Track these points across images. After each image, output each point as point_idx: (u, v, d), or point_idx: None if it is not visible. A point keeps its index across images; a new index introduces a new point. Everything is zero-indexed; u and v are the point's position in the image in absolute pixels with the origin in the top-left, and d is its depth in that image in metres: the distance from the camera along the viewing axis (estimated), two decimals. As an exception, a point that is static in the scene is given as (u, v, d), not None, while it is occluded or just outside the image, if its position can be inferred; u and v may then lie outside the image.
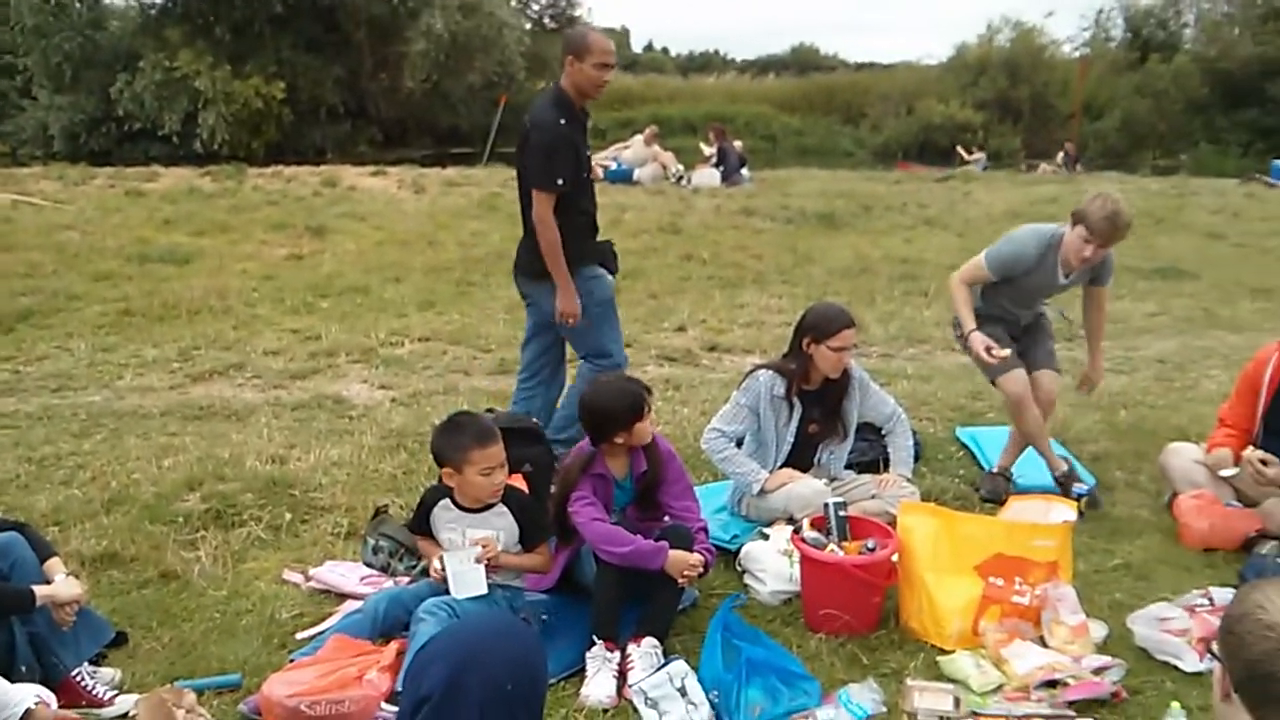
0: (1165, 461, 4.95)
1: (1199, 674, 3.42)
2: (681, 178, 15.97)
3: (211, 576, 4.06)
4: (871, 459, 4.96)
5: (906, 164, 25.13)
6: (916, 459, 4.87)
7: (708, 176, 15.96)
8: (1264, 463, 4.41)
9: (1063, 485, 4.81)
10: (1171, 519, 4.68)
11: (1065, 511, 3.97)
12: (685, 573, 3.56)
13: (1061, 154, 22.85)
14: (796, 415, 4.48)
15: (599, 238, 5.03)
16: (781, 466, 4.50)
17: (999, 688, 3.38)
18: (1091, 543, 4.44)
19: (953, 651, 3.55)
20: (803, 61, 51.78)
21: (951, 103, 31.70)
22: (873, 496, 4.50)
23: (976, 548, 3.69)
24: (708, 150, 17.17)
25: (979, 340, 4.68)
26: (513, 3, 29.88)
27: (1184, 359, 7.66)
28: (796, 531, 3.89)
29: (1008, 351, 4.66)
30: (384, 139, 28.46)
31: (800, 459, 4.55)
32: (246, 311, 8.27)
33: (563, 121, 4.66)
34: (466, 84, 27.67)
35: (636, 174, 15.93)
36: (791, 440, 4.50)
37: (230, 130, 25.39)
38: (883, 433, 4.76)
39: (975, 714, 3.24)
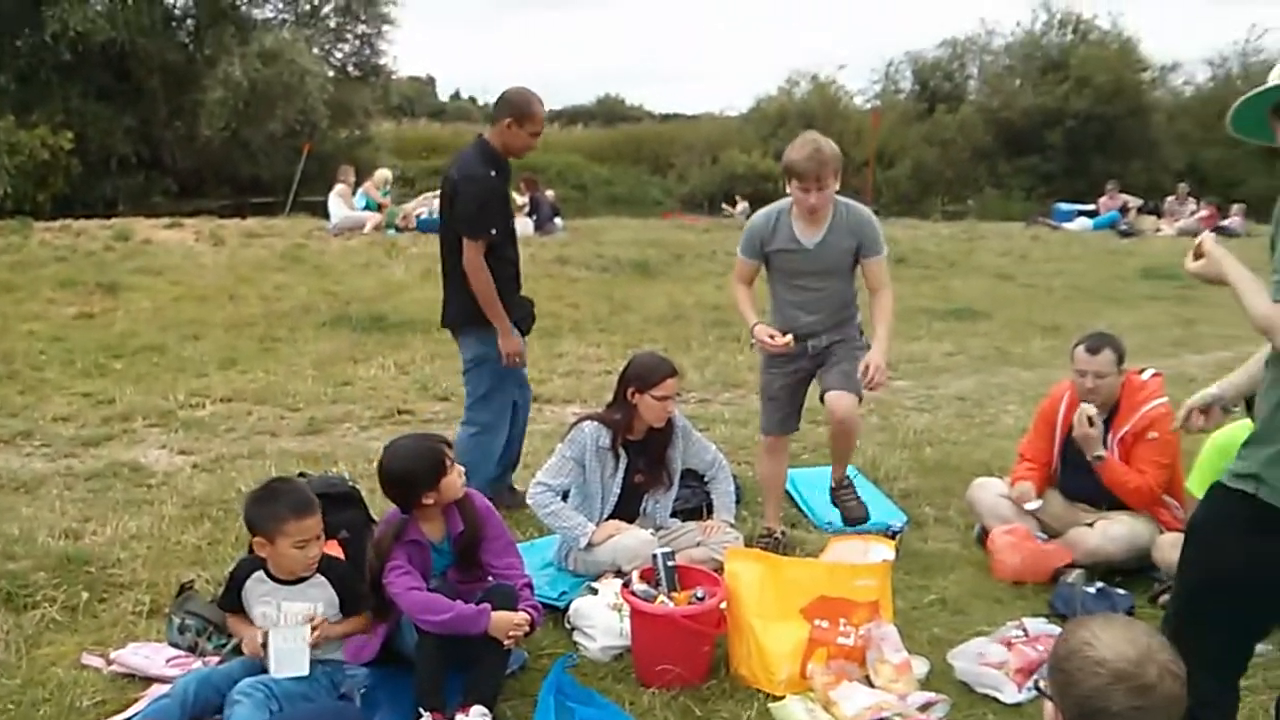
0: (972, 496, 5.15)
1: (1018, 705, 3.53)
2: (494, 227, 15.85)
3: (3, 664, 3.71)
4: (695, 506, 4.98)
5: (669, 214, 25.35)
6: (738, 503, 4.92)
7: (520, 226, 15.81)
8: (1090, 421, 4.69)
9: (833, 494, 4.95)
10: (982, 552, 4.86)
11: (884, 551, 4.07)
12: (511, 633, 3.46)
13: None
14: (622, 466, 4.46)
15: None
16: (608, 518, 4.46)
17: (841, 730, 3.41)
18: (908, 579, 4.55)
19: (783, 697, 3.56)
20: (609, 112, 52.59)
21: (754, 153, 32.71)
22: (698, 544, 4.51)
23: (801, 591, 3.73)
24: (520, 200, 17.12)
25: (761, 330, 4.59)
26: (315, 50, 29.19)
27: (982, 396, 8.03)
28: (626, 584, 3.84)
29: (789, 338, 4.53)
30: (180, 189, 27.24)
31: (626, 510, 4.52)
32: (33, 375, 7.71)
33: (493, 174, 4.89)
34: (267, 132, 26.81)
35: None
36: (618, 491, 4.47)
37: (14, 183, 23.75)
38: (705, 479, 4.79)
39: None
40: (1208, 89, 35.44)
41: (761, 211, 4.73)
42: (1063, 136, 32.25)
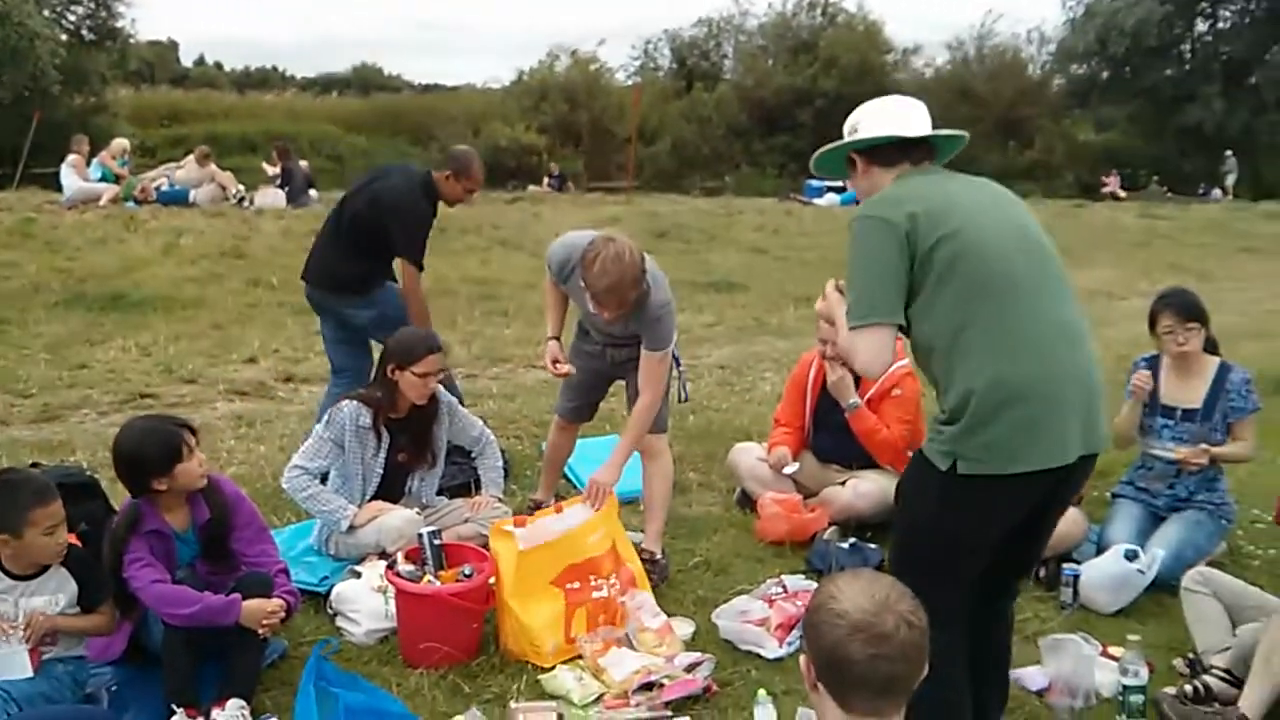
0: (732, 460, 5.32)
1: (780, 659, 3.68)
2: (243, 199, 15.16)
3: None
4: (462, 482, 4.92)
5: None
6: (506, 477, 4.89)
7: (272, 197, 15.25)
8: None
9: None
10: (743, 514, 5.04)
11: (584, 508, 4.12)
12: (265, 622, 3.32)
13: (546, 177, 24.89)
14: (385, 445, 4.35)
15: None
16: (371, 499, 4.35)
17: (599, 697, 3.45)
18: (674, 543, 4.66)
19: (553, 668, 3.58)
20: (366, 81, 51.04)
21: (517, 125, 32.49)
22: (466, 520, 4.46)
23: (550, 564, 3.77)
24: (271, 170, 16.45)
25: (550, 351, 4.58)
26: (46, 13, 26.92)
27: (741, 364, 8.30)
28: (390, 566, 3.76)
29: (567, 368, 4.50)
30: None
31: (390, 489, 4.41)
32: None
33: (429, 207, 5.31)
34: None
35: (193, 195, 14.92)
36: (380, 471, 4.36)
37: None
38: (472, 455, 4.74)
39: (583, 726, 3.28)
40: (946, 71, 37.66)
41: (562, 246, 4.42)
42: (813, 116, 33.51)
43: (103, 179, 15.33)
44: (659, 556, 4.40)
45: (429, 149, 34.50)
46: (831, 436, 5.12)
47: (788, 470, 5.01)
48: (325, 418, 4.33)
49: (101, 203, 14.49)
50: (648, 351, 4.26)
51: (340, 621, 3.87)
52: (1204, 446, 4.48)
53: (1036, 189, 27.72)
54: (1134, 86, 34.94)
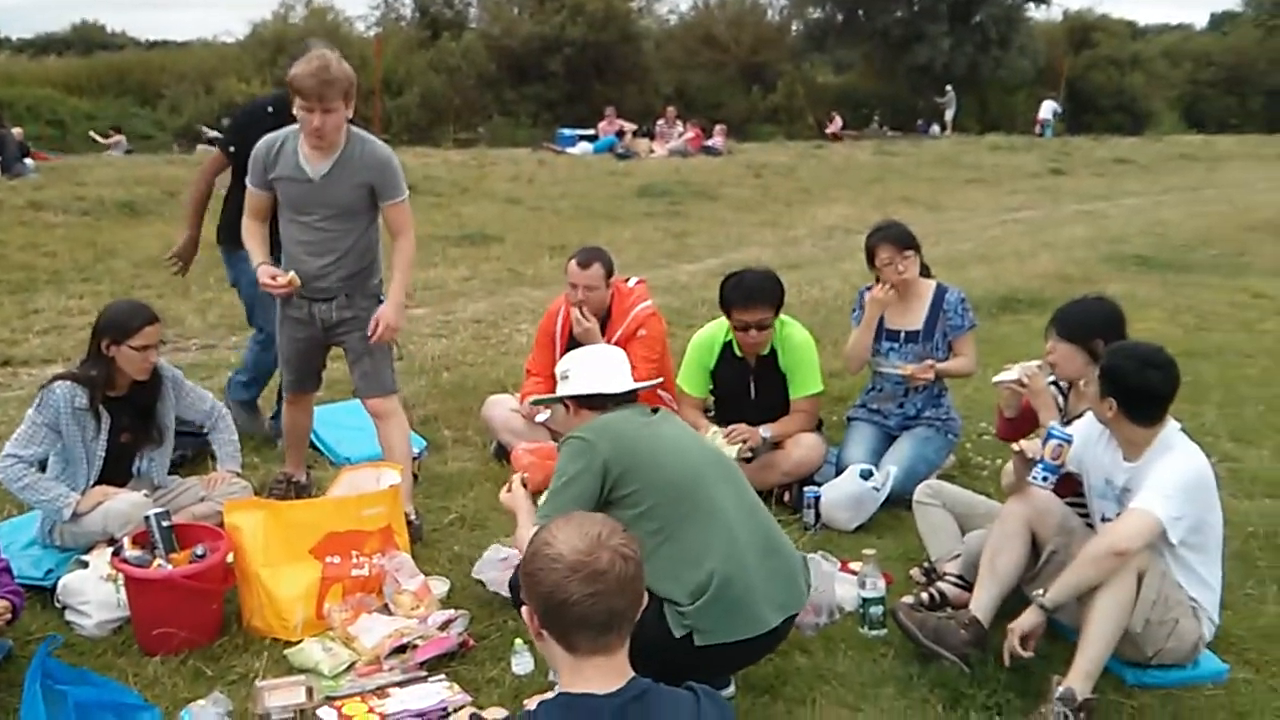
0: (487, 414, 5.29)
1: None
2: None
3: None
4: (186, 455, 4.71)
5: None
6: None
7: (-15, 168, 14.01)
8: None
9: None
10: (499, 467, 5.01)
11: (392, 475, 4.05)
12: None
13: None
14: (105, 426, 4.06)
15: None
16: (96, 484, 4.06)
17: (351, 666, 3.37)
18: (428, 502, 4.60)
19: (300, 642, 3.47)
20: (86, 40, 47.25)
21: (253, 80, 30.91)
22: (202, 499, 4.25)
23: (307, 532, 3.65)
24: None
25: (264, 271, 4.24)
26: None
27: (497, 317, 8.24)
28: (116, 553, 3.54)
29: (291, 275, 4.16)
30: None
31: (117, 472, 4.13)
32: None
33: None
34: None
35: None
36: (102, 454, 4.08)
37: None
38: (204, 430, 4.51)
39: (329, 699, 3.19)
40: (690, 17, 38.34)
41: (267, 136, 4.24)
42: (563, 64, 33.50)
43: None
44: (412, 517, 4.31)
45: (158, 109, 32.53)
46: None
47: (540, 419, 5.01)
48: (37, 400, 4.00)
49: None
50: (387, 204, 4.21)
51: (70, 615, 3.63)
52: (929, 362, 4.77)
53: (779, 131, 28.75)
54: (867, 29, 36.65)
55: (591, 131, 21.78)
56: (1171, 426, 3.39)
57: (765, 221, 13.12)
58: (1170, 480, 3.24)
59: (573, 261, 5.11)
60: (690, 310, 8.04)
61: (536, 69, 34.40)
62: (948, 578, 3.84)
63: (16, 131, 15.60)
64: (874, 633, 3.63)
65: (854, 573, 3.95)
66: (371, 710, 3.09)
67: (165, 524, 3.61)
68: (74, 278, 8.92)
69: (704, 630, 2.87)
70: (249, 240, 4.38)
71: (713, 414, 5.14)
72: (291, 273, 4.20)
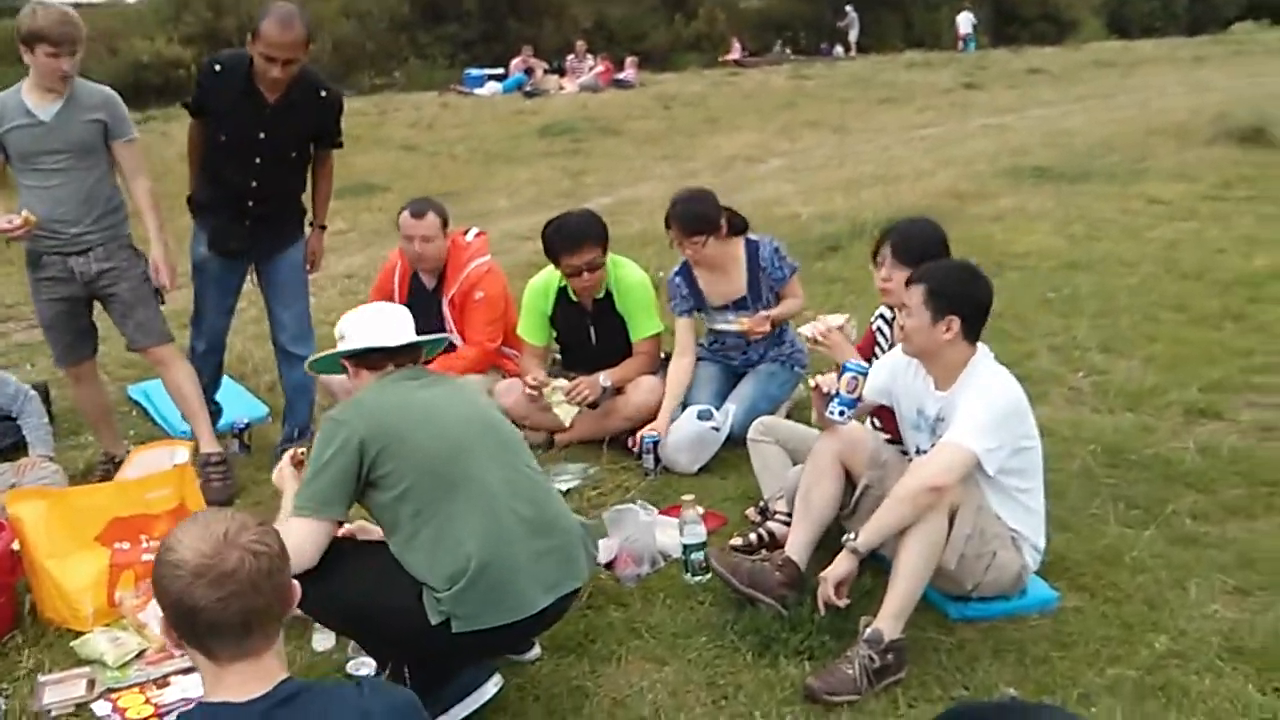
0: (325, 380, 5.07)
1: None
2: None
3: None
4: (11, 444, 4.49)
5: None
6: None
7: None
8: None
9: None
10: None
11: (182, 454, 3.88)
12: None
13: None
14: (-110, 418, 3.87)
15: None
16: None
17: (140, 655, 3.22)
18: (257, 474, 4.44)
19: (88, 632, 3.32)
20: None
21: (157, 39, 30.02)
22: (13, 485, 4.07)
23: (92, 519, 3.48)
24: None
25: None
26: None
27: (370, 271, 7.97)
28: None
29: (25, 215, 4.04)
30: None
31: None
32: None
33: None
34: None
35: None
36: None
37: None
38: (12, 415, 4.31)
39: (111, 690, 3.05)
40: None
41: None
42: (477, 3, 32.77)
43: None
44: (214, 455, 4.36)
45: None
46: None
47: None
48: None
49: None
50: (119, 142, 4.20)
51: None
52: (763, 314, 4.62)
53: (699, 59, 28.35)
54: (785, -52, 36.07)
55: (500, 71, 21.33)
56: (981, 351, 3.29)
57: (666, 155, 12.91)
58: (983, 409, 3.13)
59: (405, 212, 4.93)
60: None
61: (450, 9, 33.60)
62: (777, 516, 3.76)
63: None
64: (696, 578, 3.54)
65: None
66: (148, 701, 2.97)
67: (-57, 517, 3.43)
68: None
69: (461, 616, 2.69)
70: None
71: (558, 362, 5.02)
72: (25, 211, 4.07)
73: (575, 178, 11.47)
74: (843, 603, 3.13)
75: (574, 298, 4.66)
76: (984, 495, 3.20)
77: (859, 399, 3.35)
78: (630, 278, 4.65)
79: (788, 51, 28.03)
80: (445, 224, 4.90)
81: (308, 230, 4.82)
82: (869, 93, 19.21)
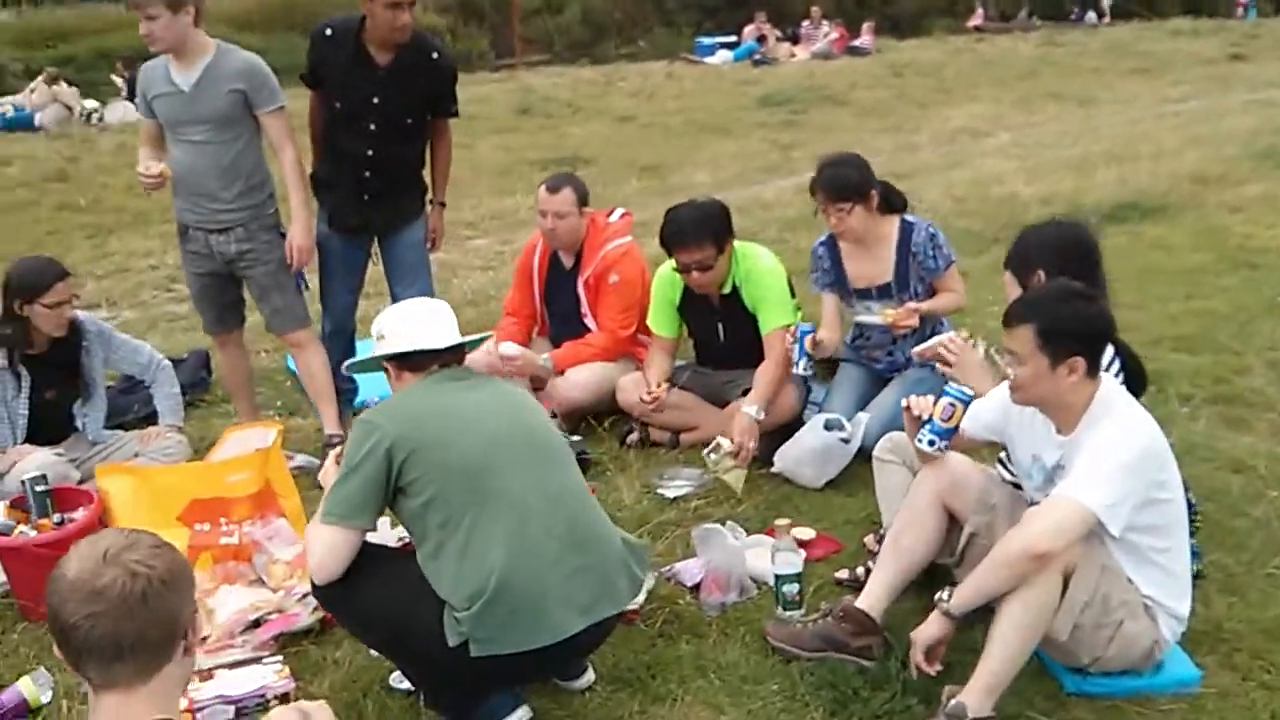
0: (470, 358, 4.93)
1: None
2: (91, 115, 14.48)
3: None
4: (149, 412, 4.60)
5: None
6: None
7: (121, 111, 14.55)
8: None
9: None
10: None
11: (266, 436, 3.83)
12: None
13: None
14: (26, 385, 4.01)
15: None
16: (26, 442, 4.01)
17: (201, 641, 3.18)
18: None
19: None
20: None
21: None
22: (136, 455, 4.16)
23: (174, 498, 3.49)
24: (119, 82, 15.68)
25: (141, 164, 4.22)
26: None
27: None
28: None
29: (162, 167, 4.10)
30: None
31: (52, 428, 4.12)
32: None
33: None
34: None
35: (38, 118, 14.26)
36: (25, 412, 4.02)
37: None
38: (146, 384, 4.41)
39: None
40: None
41: (148, 62, 4.25)
42: (724, -33, 32.39)
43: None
44: (336, 436, 4.32)
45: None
46: (565, 325, 4.82)
47: (505, 351, 4.66)
48: None
49: None
50: (263, 112, 4.13)
51: (-31, 576, 3.59)
52: (911, 305, 4.16)
53: (951, 25, 26.94)
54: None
55: (733, 39, 20.93)
56: (1108, 384, 2.78)
57: (889, 127, 12.24)
58: (1106, 456, 2.61)
59: (542, 187, 4.73)
60: (758, 232, 7.46)
61: (698, -25, 33.35)
62: (885, 552, 3.35)
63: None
64: (789, 613, 3.19)
65: (797, 543, 3.52)
66: (184, 694, 2.89)
67: (40, 488, 3.49)
68: (158, 220, 9.08)
69: (480, 639, 2.48)
70: (142, 160, 4.26)
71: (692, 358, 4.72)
72: (164, 164, 4.12)
73: (784, 150, 11.02)
74: (934, 670, 2.72)
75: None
76: (1110, 555, 2.70)
77: (955, 429, 2.91)
78: (759, 266, 4.28)
79: (1034, 18, 26.08)
80: (583, 201, 4.68)
81: (429, 209, 4.68)
82: (1122, 62, 17.68)
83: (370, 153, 4.37)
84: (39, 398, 4.04)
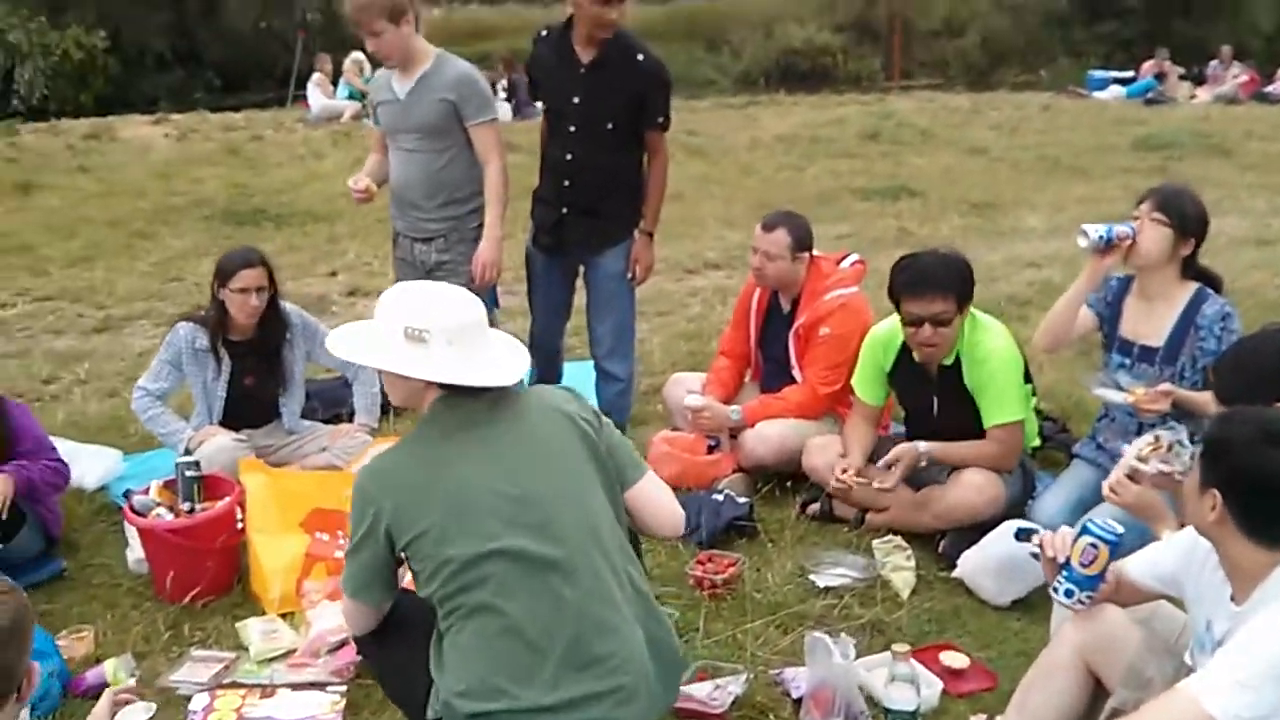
0: (666, 391, 4.73)
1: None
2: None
3: None
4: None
5: None
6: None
7: (502, 112, 15.48)
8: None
9: None
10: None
11: None
12: None
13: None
14: (226, 368, 4.18)
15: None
16: (222, 423, 4.20)
17: (287, 654, 3.15)
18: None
19: (263, 614, 3.34)
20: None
21: (809, 24, 31.24)
22: (324, 450, 4.26)
23: (300, 503, 3.51)
24: (501, 85, 16.66)
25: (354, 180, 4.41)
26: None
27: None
28: (127, 496, 3.63)
29: (368, 182, 4.28)
30: (223, 84, 27.32)
31: (248, 414, 4.25)
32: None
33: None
34: (295, 21, 26.65)
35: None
36: (222, 395, 4.20)
37: (51, 84, 24.01)
38: (349, 380, 4.51)
39: (236, 683, 3.02)
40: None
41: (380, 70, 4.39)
42: (1145, -1, 30.02)
43: (350, 96, 16.09)
44: None
45: (722, 54, 34.02)
46: (777, 371, 4.46)
47: (690, 403, 4.38)
48: (165, 339, 4.23)
49: (343, 120, 15.26)
50: (471, 124, 4.15)
51: (128, 550, 3.79)
52: (1166, 386, 3.47)
53: None
54: None
55: (1129, 74, 19.17)
56: None
57: (1270, 185, 10.64)
58: (1256, 653, 1.98)
59: (759, 223, 4.38)
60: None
61: (1111, 5, 31.09)
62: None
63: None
64: (899, 754, 2.72)
65: (942, 666, 3.04)
66: (239, 710, 2.86)
67: (190, 474, 3.62)
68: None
69: None
70: (369, 158, 4.50)
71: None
72: (369, 180, 4.26)
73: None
74: None
75: (916, 358, 3.84)
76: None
77: (1099, 578, 2.32)
78: (987, 345, 3.72)
79: None
80: (800, 245, 4.28)
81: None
82: None
83: (569, 157, 4.24)
84: (238, 383, 4.19)
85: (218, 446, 3.98)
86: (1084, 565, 2.35)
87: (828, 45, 30.95)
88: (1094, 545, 2.34)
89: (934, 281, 3.63)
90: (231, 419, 4.20)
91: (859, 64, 30.69)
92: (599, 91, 4.13)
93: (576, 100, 4.16)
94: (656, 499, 2.63)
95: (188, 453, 4.01)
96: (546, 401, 2.48)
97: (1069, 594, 2.38)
